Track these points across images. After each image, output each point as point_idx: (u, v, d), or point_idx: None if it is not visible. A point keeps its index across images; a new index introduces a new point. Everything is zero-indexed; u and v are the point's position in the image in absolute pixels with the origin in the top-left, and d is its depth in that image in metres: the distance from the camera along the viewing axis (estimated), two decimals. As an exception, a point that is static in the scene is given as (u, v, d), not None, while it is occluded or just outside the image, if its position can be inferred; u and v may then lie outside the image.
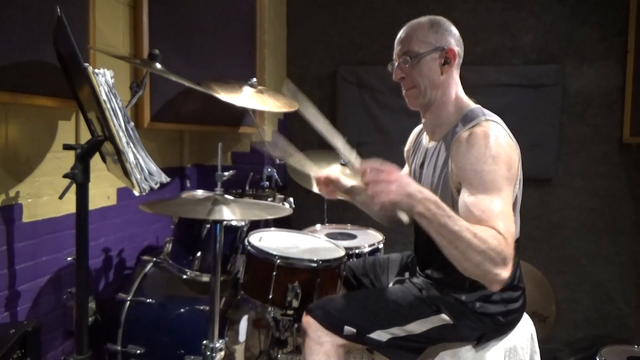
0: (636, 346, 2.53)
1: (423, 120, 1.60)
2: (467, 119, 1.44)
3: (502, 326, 1.47)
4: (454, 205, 1.37)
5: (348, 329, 1.48)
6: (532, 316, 1.66)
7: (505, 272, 1.18)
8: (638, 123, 2.86)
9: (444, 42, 1.47)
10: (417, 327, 1.46)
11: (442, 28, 1.48)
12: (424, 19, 1.51)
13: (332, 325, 1.50)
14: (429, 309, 1.47)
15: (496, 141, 1.32)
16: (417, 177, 1.62)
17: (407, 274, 1.69)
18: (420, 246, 1.63)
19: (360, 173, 1.24)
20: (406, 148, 1.80)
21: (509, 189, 1.31)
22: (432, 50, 1.46)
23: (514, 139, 1.42)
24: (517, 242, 1.51)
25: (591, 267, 3.08)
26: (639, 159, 2.97)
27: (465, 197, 1.31)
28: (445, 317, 1.46)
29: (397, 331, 1.47)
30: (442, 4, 3.18)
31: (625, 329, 3.04)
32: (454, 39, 1.49)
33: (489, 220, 1.22)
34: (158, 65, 1.80)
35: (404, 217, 1.29)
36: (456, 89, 1.52)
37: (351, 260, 1.99)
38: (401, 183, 1.19)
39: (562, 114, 3.05)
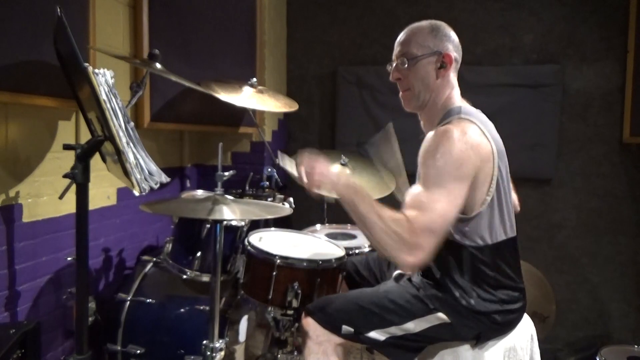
0: (636, 346, 2.53)
1: (421, 122, 1.64)
2: (443, 118, 1.49)
3: (499, 325, 1.47)
4: None
5: (346, 328, 1.49)
6: (532, 316, 1.66)
7: (410, 258, 1.28)
8: (638, 123, 2.86)
9: (441, 46, 1.50)
10: (414, 325, 1.47)
11: (440, 33, 1.52)
12: (425, 22, 1.54)
13: (331, 325, 1.52)
14: (426, 308, 1.48)
15: (451, 137, 1.35)
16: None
17: None
18: None
19: (297, 167, 1.48)
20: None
21: (455, 186, 1.34)
22: (429, 54, 1.50)
23: (488, 139, 1.42)
24: (515, 240, 1.52)
25: (591, 267, 3.08)
26: (639, 159, 2.97)
27: (414, 185, 1.41)
28: (442, 316, 1.46)
29: (395, 330, 1.48)
30: (442, 4, 3.18)
31: (625, 329, 3.04)
32: (452, 44, 1.53)
33: (410, 209, 1.33)
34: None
35: (330, 199, 1.51)
36: (450, 92, 1.54)
37: (353, 256, 2.00)
38: (324, 172, 1.43)
39: (562, 114, 3.05)
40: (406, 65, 1.51)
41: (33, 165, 1.77)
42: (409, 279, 1.61)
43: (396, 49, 1.56)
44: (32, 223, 1.77)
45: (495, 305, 1.45)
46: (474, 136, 1.39)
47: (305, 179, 1.45)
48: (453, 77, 1.55)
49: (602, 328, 3.08)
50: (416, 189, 1.38)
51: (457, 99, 1.55)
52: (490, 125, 1.49)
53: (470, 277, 1.45)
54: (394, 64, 1.56)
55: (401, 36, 1.56)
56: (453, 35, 1.54)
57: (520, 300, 1.51)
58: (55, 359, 1.92)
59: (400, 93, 1.59)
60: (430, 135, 1.43)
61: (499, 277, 1.46)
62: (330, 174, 1.44)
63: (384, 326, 1.48)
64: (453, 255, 1.45)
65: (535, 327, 1.63)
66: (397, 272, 1.70)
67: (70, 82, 1.46)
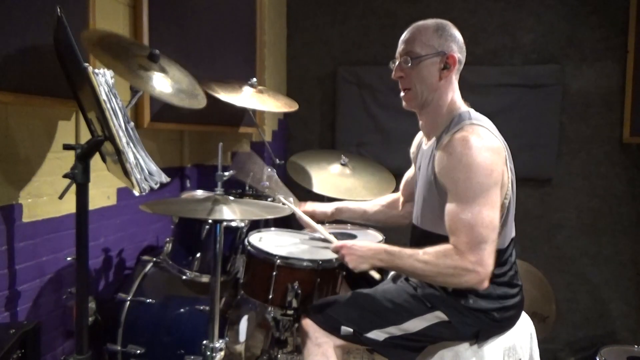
0: (636, 346, 2.53)
1: (420, 122, 1.63)
2: (454, 123, 1.48)
3: (498, 322, 1.47)
4: (441, 206, 1.43)
5: (345, 329, 1.49)
6: (532, 316, 1.66)
7: (474, 278, 1.33)
8: (638, 123, 2.87)
9: (446, 47, 1.49)
10: (413, 325, 1.47)
11: (446, 33, 1.50)
12: (430, 21, 1.53)
13: (330, 326, 1.52)
14: (424, 307, 1.48)
15: (474, 147, 1.35)
16: (416, 179, 1.66)
17: None
18: (415, 247, 1.64)
19: (334, 250, 1.60)
20: (411, 150, 1.83)
21: (490, 193, 1.35)
22: (433, 54, 1.49)
23: (501, 142, 1.44)
24: (514, 240, 1.53)
25: (591, 267, 3.08)
26: (639, 159, 2.97)
27: (447, 204, 1.41)
28: (440, 315, 1.47)
29: (394, 330, 1.48)
30: (442, 4, 3.18)
31: (625, 329, 3.04)
32: (456, 45, 1.51)
33: (455, 231, 1.36)
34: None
35: (375, 275, 1.61)
36: (452, 94, 1.54)
37: None
38: (358, 252, 1.52)
39: (562, 114, 3.05)
40: (409, 64, 1.50)
41: (33, 165, 1.77)
42: (406, 279, 1.61)
43: (400, 46, 1.55)
44: (32, 223, 1.77)
45: (493, 302, 1.45)
46: (492, 141, 1.40)
47: (344, 259, 1.55)
48: (455, 78, 1.54)
49: (602, 328, 3.08)
50: (452, 208, 1.37)
51: (461, 102, 1.54)
52: (496, 130, 1.49)
53: None
54: (397, 62, 1.55)
55: (406, 34, 1.55)
56: (458, 36, 1.53)
57: (518, 296, 1.52)
58: (55, 359, 1.91)
59: (401, 92, 1.58)
60: (446, 148, 1.40)
61: (499, 274, 1.46)
62: (358, 251, 1.52)
63: (383, 326, 1.48)
64: None
65: (535, 327, 1.63)
66: (393, 272, 1.70)
67: (70, 82, 1.46)
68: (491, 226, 1.33)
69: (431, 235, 1.51)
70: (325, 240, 1.84)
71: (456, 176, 1.36)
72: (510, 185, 1.45)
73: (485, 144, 1.37)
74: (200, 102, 1.95)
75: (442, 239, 1.41)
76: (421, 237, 1.57)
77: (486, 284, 1.35)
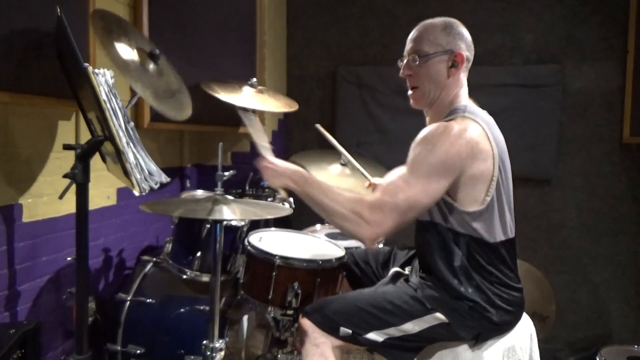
0: (636, 346, 2.53)
1: (427, 119, 1.64)
2: (448, 115, 1.49)
3: (497, 325, 1.47)
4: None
5: (344, 330, 1.49)
6: (532, 316, 1.66)
7: (367, 232, 1.38)
8: (638, 123, 2.87)
9: (454, 45, 1.49)
10: (412, 326, 1.47)
11: (454, 31, 1.51)
12: (438, 20, 1.54)
13: (328, 326, 1.52)
14: (423, 308, 1.48)
15: (449, 134, 1.38)
16: None
17: (407, 269, 1.70)
18: (417, 246, 1.64)
19: (258, 164, 1.58)
20: None
21: (435, 178, 1.38)
22: (441, 52, 1.49)
23: (490, 140, 1.42)
24: (513, 242, 1.52)
25: (591, 267, 3.08)
26: (639, 159, 2.97)
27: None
28: (440, 316, 1.46)
29: (393, 331, 1.48)
30: (442, 4, 3.18)
31: (625, 329, 3.04)
32: (464, 43, 1.52)
33: (383, 190, 1.41)
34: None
35: (282, 193, 1.63)
36: (458, 91, 1.54)
37: (353, 249, 2.00)
38: (276, 167, 1.54)
39: (562, 114, 3.05)
40: (417, 63, 1.51)
41: (33, 165, 1.77)
42: (406, 280, 1.61)
43: (408, 45, 1.55)
44: (32, 223, 1.77)
45: (493, 304, 1.45)
46: (473, 134, 1.40)
47: (262, 174, 1.57)
48: (463, 76, 1.54)
49: (602, 328, 3.08)
50: (399, 171, 1.43)
51: (464, 97, 1.54)
52: (494, 127, 1.48)
53: (467, 267, 1.45)
54: (405, 60, 1.55)
55: (414, 32, 1.55)
56: (466, 34, 1.53)
57: (519, 301, 1.51)
58: (55, 359, 1.91)
59: (409, 91, 1.58)
60: (430, 125, 1.44)
61: (497, 274, 1.46)
62: (278, 166, 1.53)
63: (382, 327, 1.48)
64: (452, 241, 1.46)
65: (535, 327, 1.63)
66: (392, 270, 1.70)
67: (70, 82, 1.46)
68: (411, 204, 1.37)
69: (421, 222, 1.54)
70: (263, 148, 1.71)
71: (417, 148, 1.42)
72: (499, 182, 1.43)
73: (461, 135, 1.38)
74: (182, 115, 1.90)
75: (430, 225, 1.48)
76: (423, 238, 1.57)
77: (369, 243, 1.42)
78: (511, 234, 1.51)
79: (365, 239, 1.42)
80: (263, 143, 1.67)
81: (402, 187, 1.38)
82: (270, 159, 1.57)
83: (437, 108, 1.55)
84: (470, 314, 1.44)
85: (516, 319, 1.53)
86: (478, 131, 1.41)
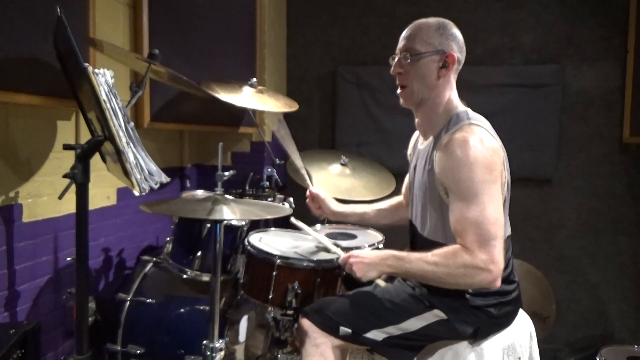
0: (636, 346, 2.53)
1: (416, 120, 1.63)
2: (452, 122, 1.48)
3: (496, 319, 1.47)
4: (441, 207, 1.45)
5: (343, 329, 1.50)
6: (532, 316, 1.66)
7: (487, 276, 1.31)
8: (638, 123, 2.86)
9: (446, 46, 1.49)
10: (412, 324, 1.47)
11: (447, 32, 1.51)
12: (432, 19, 1.54)
13: (328, 326, 1.52)
14: (422, 306, 1.48)
15: (473, 146, 1.35)
16: (412, 179, 1.66)
17: None
18: (414, 247, 1.64)
19: (342, 262, 1.57)
20: (408, 152, 1.82)
21: (493, 190, 1.35)
22: (432, 52, 1.49)
23: (498, 142, 1.44)
24: (509, 239, 1.53)
25: (591, 267, 3.08)
26: (639, 159, 2.97)
27: (450, 206, 1.40)
28: (439, 313, 1.47)
29: (393, 330, 1.48)
30: (442, 4, 3.18)
31: (625, 329, 3.04)
32: (457, 44, 1.52)
33: (461, 232, 1.35)
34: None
35: (381, 283, 1.56)
36: (450, 92, 1.54)
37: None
38: (365, 260, 1.49)
39: (562, 114, 3.05)
40: (409, 61, 1.51)
41: (33, 165, 1.77)
42: (404, 278, 1.61)
43: (400, 42, 1.56)
44: (32, 223, 1.77)
45: (491, 299, 1.46)
46: (490, 141, 1.41)
47: (351, 269, 1.52)
48: (453, 78, 1.55)
49: (602, 328, 3.08)
50: (457, 208, 1.37)
51: (458, 102, 1.55)
52: (493, 131, 1.49)
53: None
54: (397, 58, 1.55)
55: (407, 31, 1.55)
56: (459, 35, 1.53)
57: (515, 292, 1.52)
58: (55, 359, 1.91)
59: (398, 89, 1.57)
60: (446, 149, 1.40)
61: None
62: (368, 258, 1.49)
63: (382, 326, 1.49)
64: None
65: (535, 327, 1.63)
66: None
67: (70, 82, 1.46)
68: (498, 223, 1.33)
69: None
70: (328, 250, 1.84)
71: (457, 176, 1.36)
72: (506, 185, 1.46)
73: (485, 144, 1.38)
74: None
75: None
76: (419, 239, 1.57)
77: (499, 282, 1.33)
78: (509, 231, 1.52)
79: (490, 283, 1.33)
80: (304, 172, 1.67)
81: (473, 216, 1.33)
82: (355, 253, 1.54)
83: (428, 109, 1.55)
84: (468, 309, 1.45)
85: (514, 312, 1.54)
86: (489, 136, 1.42)
